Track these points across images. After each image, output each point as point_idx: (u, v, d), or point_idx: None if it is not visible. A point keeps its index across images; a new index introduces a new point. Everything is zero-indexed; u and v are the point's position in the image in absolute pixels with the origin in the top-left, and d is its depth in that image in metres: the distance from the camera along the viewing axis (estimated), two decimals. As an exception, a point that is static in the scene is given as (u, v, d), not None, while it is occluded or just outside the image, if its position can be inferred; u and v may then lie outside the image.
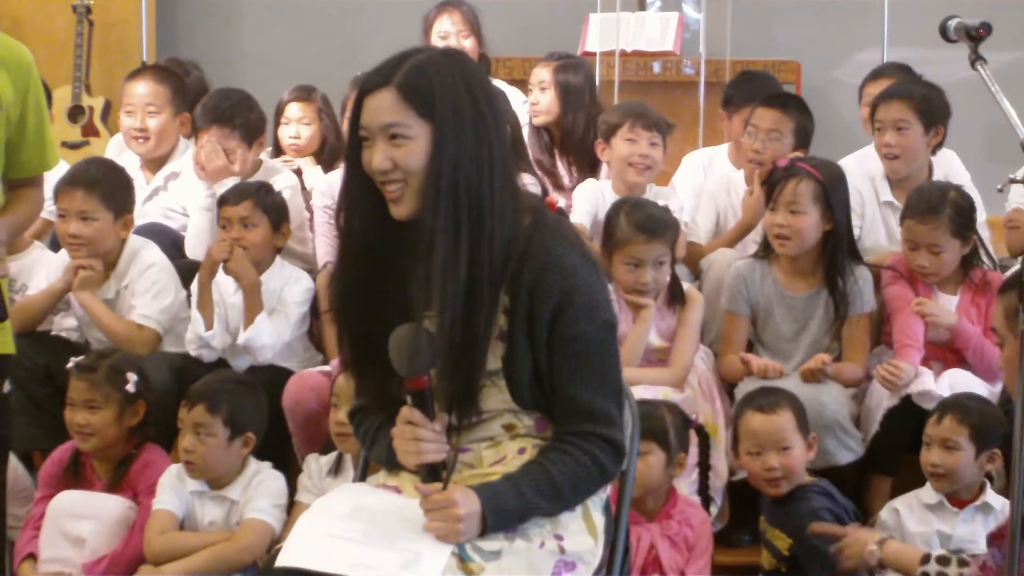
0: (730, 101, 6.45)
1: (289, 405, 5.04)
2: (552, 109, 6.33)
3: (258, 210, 5.35)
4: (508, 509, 3.09)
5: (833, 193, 5.12)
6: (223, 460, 4.75)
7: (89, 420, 4.84)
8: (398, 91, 3.08)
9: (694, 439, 4.73)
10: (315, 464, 4.85)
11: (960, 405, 4.59)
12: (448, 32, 6.77)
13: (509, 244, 3.13)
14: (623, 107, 5.96)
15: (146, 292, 5.32)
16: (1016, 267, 5.21)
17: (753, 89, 6.37)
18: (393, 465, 3.27)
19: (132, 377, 4.88)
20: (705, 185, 6.07)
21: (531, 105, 6.40)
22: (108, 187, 5.31)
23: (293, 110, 6.44)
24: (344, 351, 3.32)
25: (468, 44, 6.78)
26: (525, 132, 6.35)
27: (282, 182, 5.78)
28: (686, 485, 4.73)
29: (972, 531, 4.52)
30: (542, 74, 6.40)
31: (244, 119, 5.87)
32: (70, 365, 4.91)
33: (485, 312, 3.10)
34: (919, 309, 5.05)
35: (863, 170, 5.61)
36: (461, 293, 3.07)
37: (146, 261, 5.37)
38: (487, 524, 3.07)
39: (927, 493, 4.63)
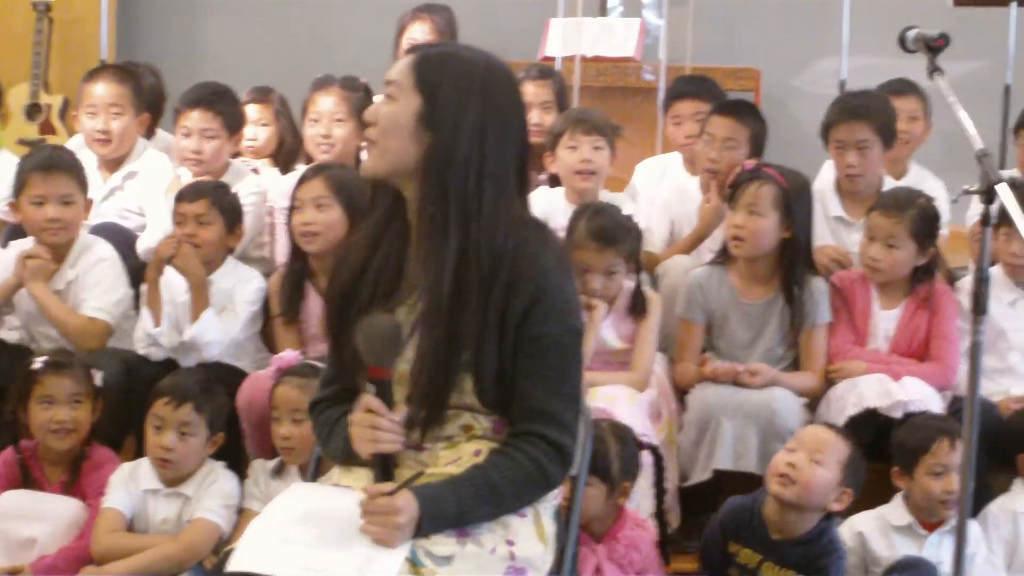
0: (665, 104, 6.45)
1: (243, 405, 5.02)
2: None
3: (214, 209, 5.33)
4: (445, 516, 3.10)
5: (795, 201, 5.12)
6: (198, 460, 4.78)
7: (73, 416, 4.84)
8: (414, 59, 3.21)
9: (649, 460, 4.66)
10: (260, 469, 4.85)
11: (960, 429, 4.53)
12: (415, 40, 6.72)
13: (499, 250, 3.17)
14: (564, 115, 5.94)
15: (97, 285, 5.30)
16: (967, 276, 5.27)
17: (682, 85, 6.37)
18: (349, 459, 3.28)
19: (98, 373, 4.91)
20: (659, 193, 6.05)
21: (533, 125, 6.24)
22: (80, 170, 5.38)
23: (250, 111, 6.42)
24: (329, 328, 3.36)
25: None
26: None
27: (248, 187, 5.78)
28: (643, 509, 4.68)
29: (938, 555, 4.52)
30: (544, 94, 6.31)
31: (227, 108, 5.92)
32: (37, 365, 4.88)
33: (472, 308, 3.14)
34: (834, 376, 5.10)
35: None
36: (450, 286, 3.13)
37: (98, 255, 5.36)
38: (421, 530, 3.08)
39: (896, 514, 4.62)
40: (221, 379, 5.01)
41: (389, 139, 3.19)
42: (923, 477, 4.57)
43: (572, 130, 5.65)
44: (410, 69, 3.20)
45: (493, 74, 3.23)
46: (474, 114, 3.17)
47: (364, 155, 3.30)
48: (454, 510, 3.11)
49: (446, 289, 3.13)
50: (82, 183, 5.36)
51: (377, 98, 3.40)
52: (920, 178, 5.97)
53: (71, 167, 5.35)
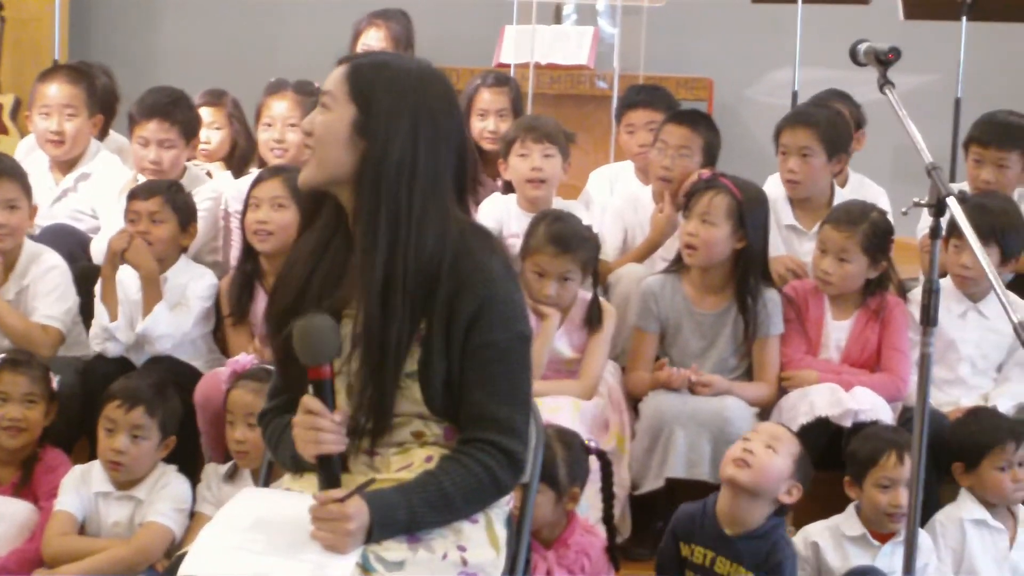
0: (617, 114, 6.47)
1: (201, 401, 5.02)
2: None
3: (168, 207, 5.34)
4: (396, 523, 3.10)
5: (748, 212, 5.14)
6: (150, 463, 4.77)
7: (26, 415, 4.85)
8: (348, 70, 3.22)
9: (596, 465, 4.68)
10: (213, 473, 4.85)
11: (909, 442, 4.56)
12: (370, 46, 6.73)
13: (431, 257, 3.16)
14: (516, 123, 5.94)
15: (49, 293, 5.28)
16: (917, 288, 5.30)
17: (635, 94, 6.39)
18: (297, 466, 3.29)
19: (55, 376, 4.92)
20: (612, 202, 6.06)
21: (488, 132, 6.28)
22: (23, 176, 5.36)
23: (203, 115, 6.40)
24: (273, 343, 3.35)
25: None
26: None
27: (204, 192, 5.77)
28: (592, 514, 4.67)
29: (890, 565, 4.54)
30: (500, 101, 6.30)
31: (184, 116, 5.90)
32: None
33: (399, 318, 3.13)
34: (787, 384, 5.14)
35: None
36: (377, 297, 3.13)
37: (48, 263, 5.34)
38: (372, 536, 3.08)
39: (849, 524, 4.65)
40: (177, 376, 5.05)
41: (326, 148, 3.20)
42: (871, 489, 4.60)
43: (523, 138, 5.67)
44: (344, 79, 3.21)
45: (425, 80, 3.24)
46: (407, 119, 3.18)
47: None
48: (405, 516, 3.11)
49: (375, 299, 3.14)
50: (26, 188, 5.33)
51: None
52: (860, 184, 6.00)
53: (13, 172, 5.33)
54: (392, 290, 3.13)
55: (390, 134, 3.16)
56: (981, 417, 4.93)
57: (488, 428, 3.18)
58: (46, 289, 5.29)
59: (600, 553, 4.48)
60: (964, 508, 4.80)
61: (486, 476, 3.17)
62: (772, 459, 4.41)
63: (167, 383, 4.90)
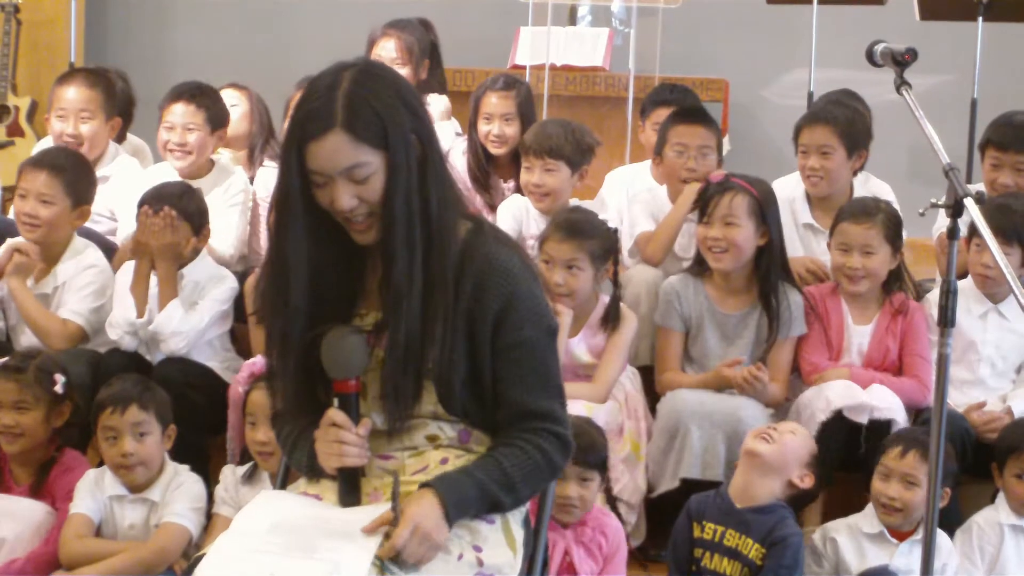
0: (643, 111, 6.46)
1: (233, 397, 5.04)
2: (517, 138, 6.12)
3: (179, 216, 5.29)
4: (469, 499, 3.11)
5: (767, 208, 5.16)
6: (159, 457, 4.77)
7: (19, 421, 4.84)
8: (347, 131, 3.05)
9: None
10: (231, 475, 4.86)
11: (923, 441, 4.52)
12: (380, 57, 6.74)
13: (455, 249, 3.15)
14: (528, 131, 5.91)
15: (81, 290, 5.35)
16: (935, 289, 5.29)
17: (665, 93, 6.38)
18: (313, 472, 3.28)
19: (59, 378, 4.90)
20: (633, 204, 6.02)
21: (494, 136, 6.22)
22: (72, 175, 5.39)
23: (226, 94, 6.45)
24: (269, 352, 3.35)
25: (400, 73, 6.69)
26: (458, 151, 6.34)
27: (236, 184, 5.81)
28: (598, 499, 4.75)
29: (908, 564, 4.55)
30: (506, 105, 6.23)
31: (211, 103, 5.97)
32: None
33: (442, 318, 3.12)
34: (817, 381, 5.12)
35: (782, 194, 5.58)
36: (417, 302, 3.11)
37: (86, 261, 5.41)
38: (450, 518, 3.08)
39: (868, 522, 4.66)
40: (192, 377, 5.10)
41: (379, 206, 3.11)
42: (875, 478, 4.65)
43: (526, 152, 5.72)
44: (354, 142, 3.05)
45: (386, 75, 3.17)
46: (410, 123, 3.12)
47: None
48: (476, 492, 3.12)
49: (417, 307, 3.11)
50: (70, 187, 5.37)
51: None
52: (866, 180, 5.98)
53: (59, 169, 5.37)
54: (434, 297, 3.12)
55: (410, 152, 3.10)
56: (1020, 422, 4.92)
57: (535, 419, 3.20)
58: (78, 285, 5.36)
59: (615, 532, 4.56)
60: (1002, 512, 4.77)
61: (541, 458, 3.19)
62: (793, 439, 4.59)
63: (145, 379, 4.90)
